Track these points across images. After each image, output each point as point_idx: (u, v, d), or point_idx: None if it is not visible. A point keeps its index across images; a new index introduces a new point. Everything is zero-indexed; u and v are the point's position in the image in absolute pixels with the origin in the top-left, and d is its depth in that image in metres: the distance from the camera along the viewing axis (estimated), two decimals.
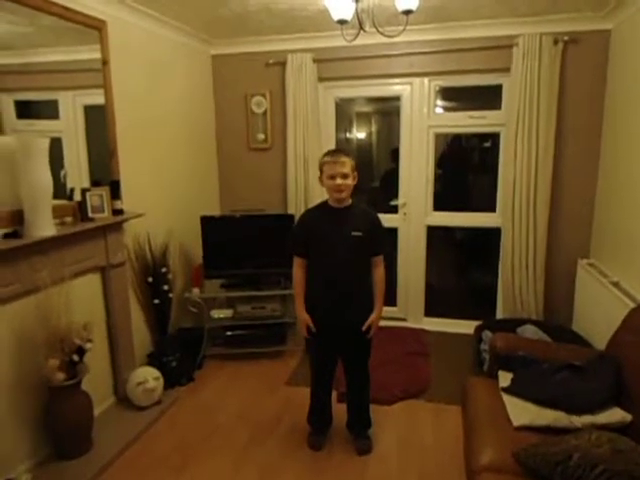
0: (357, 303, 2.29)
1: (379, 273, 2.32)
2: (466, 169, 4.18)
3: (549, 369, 2.05)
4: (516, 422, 1.83)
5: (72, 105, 2.62)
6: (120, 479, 2.27)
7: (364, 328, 2.28)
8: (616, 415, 1.78)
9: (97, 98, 2.71)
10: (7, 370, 2.15)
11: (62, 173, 2.47)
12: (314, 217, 2.34)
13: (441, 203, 3.85)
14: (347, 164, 2.19)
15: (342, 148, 2.44)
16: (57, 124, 2.58)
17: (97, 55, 2.65)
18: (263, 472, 2.31)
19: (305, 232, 2.32)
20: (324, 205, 2.34)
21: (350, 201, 2.28)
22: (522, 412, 1.87)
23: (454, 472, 2.21)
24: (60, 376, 2.21)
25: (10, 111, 2.27)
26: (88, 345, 2.30)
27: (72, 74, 2.64)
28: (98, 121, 2.73)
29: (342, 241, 2.22)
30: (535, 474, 1.58)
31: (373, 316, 2.29)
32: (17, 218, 2.11)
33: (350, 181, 2.21)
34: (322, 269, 2.28)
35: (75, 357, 2.24)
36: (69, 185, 2.50)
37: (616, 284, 2.74)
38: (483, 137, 3.94)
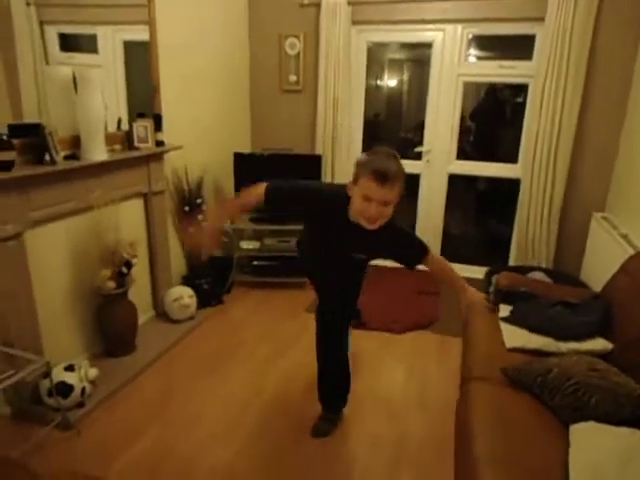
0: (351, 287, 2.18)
1: (437, 265, 2.08)
2: (497, 122, 4.23)
3: (546, 303, 2.25)
4: (509, 344, 2.07)
5: (111, 40, 2.73)
6: (159, 376, 2.63)
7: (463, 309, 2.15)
8: (599, 344, 1.99)
9: (136, 34, 2.84)
10: (66, 277, 2.47)
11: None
12: (329, 214, 1.87)
13: (467, 154, 3.92)
14: (396, 188, 1.62)
15: (393, 153, 1.67)
16: (96, 58, 2.69)
17: None
18: (282, 377, 2.64)
19: (308, 212, 1.98)
20: (345, 210, 1.78)
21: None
22: (516, 337, 2.10)
23: (452, 390, 2.48)
24: (111, 285, 2.53)
25: (54, 43, 2.38)
26: (134, 260, 2.60)
27: (113, 9, 2.71)
28: (136, 56, 2.85)
29: (342, 257, 1.96)
30: (518, 384, 1.82)
31: (465, 298, 2.02)
32: (75, 142, 2.36)
33: (390, 209, 1.67)
34: (320, 251, 2.11)
35: (124, 269, 2.54)
36: (110, 118, 2.65)
37: (625, 236, 2.85)
38: (516, 92, 3.95)
